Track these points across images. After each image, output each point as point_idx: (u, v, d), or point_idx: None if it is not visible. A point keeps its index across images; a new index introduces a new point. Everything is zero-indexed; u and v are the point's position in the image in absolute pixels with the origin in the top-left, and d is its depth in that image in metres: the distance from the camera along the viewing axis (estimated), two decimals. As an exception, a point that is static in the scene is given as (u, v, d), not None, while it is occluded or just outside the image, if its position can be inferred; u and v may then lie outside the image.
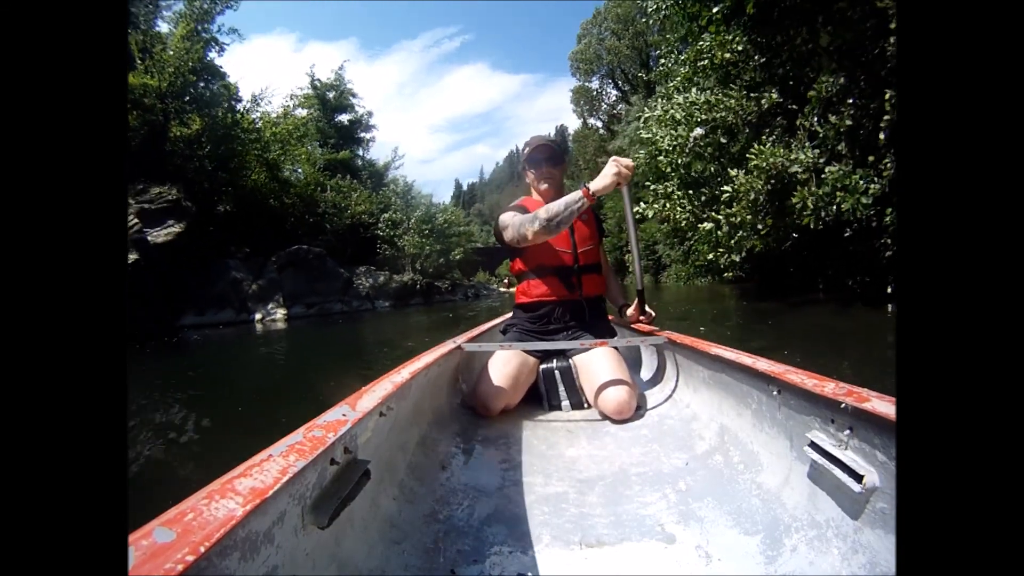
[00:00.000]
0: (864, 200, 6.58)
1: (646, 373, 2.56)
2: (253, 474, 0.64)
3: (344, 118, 30.26)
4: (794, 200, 7.15)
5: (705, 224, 8.44)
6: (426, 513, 1.20)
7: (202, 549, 0.47)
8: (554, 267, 2.31)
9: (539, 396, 2.18)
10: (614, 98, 44.35)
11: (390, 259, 22.50)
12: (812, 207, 6.94)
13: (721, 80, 9.24)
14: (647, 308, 2.39)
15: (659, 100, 10.73)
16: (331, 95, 29.15)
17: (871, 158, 6.75)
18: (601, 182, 2.03)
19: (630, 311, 2.41)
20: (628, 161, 2.02)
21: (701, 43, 9.22)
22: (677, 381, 2.11)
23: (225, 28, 17.79)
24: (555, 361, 2.19)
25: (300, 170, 21.98)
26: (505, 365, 2.08)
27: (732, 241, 8.14)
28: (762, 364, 1.33)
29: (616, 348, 2.18)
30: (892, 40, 6.35)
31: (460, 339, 2.22)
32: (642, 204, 9.98)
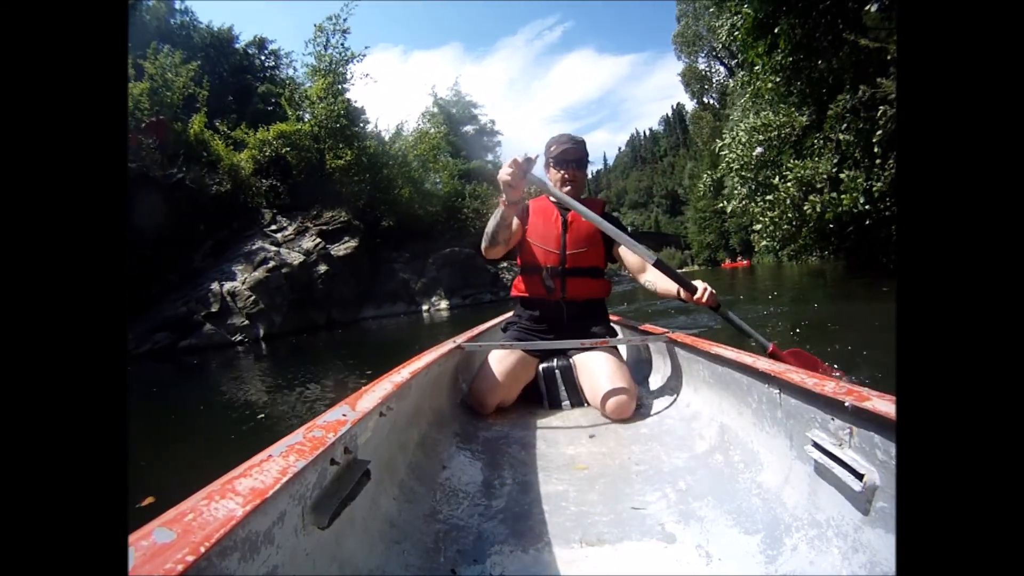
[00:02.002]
0: (861, 199, 8.56)
1: (647, 372, 2.55)
2: (253, 474, 0.64)
3: (469, 128, 32.55)
4: (805, 208, 9.43)
5: (755, 225, 10.90)
6: (426, 513, 1.21)
7: (202, 549, 0.48)
8: (539, 266, 2.29)
9: (539, 395, 2.19)
10: (724, 75, 43.64)
11: (527, 252, 24.32)
12: (819, 211, 9.21)
13: (772, 103, 11.51)
14: (694, 283, 1.97)
15: (730, 126, 13.36)
16: (454, 110, 31.34)
17: (878, 162, 8.70)
18: (504, 191, 2.01)
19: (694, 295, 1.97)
20: (504, 167, 1.95)
21: (756, 68, 11.41)
22: (678, 380, 2.11)
23: (359, 74, 20.10)
24: (555, 360, 2.20)
25: (440, 182, 23.68)
26: (501, 362, 2.10)
27: (776, 233, 10.49)
28: (762, 363, 1.33)
29: (616, 347, 2.19)
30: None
31: (460, 338, 2.22)
32: (726, 201, 12.86)
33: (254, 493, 0.60)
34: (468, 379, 2.31)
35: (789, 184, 10.04)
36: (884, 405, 0.85)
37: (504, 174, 1.95)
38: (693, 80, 45.14)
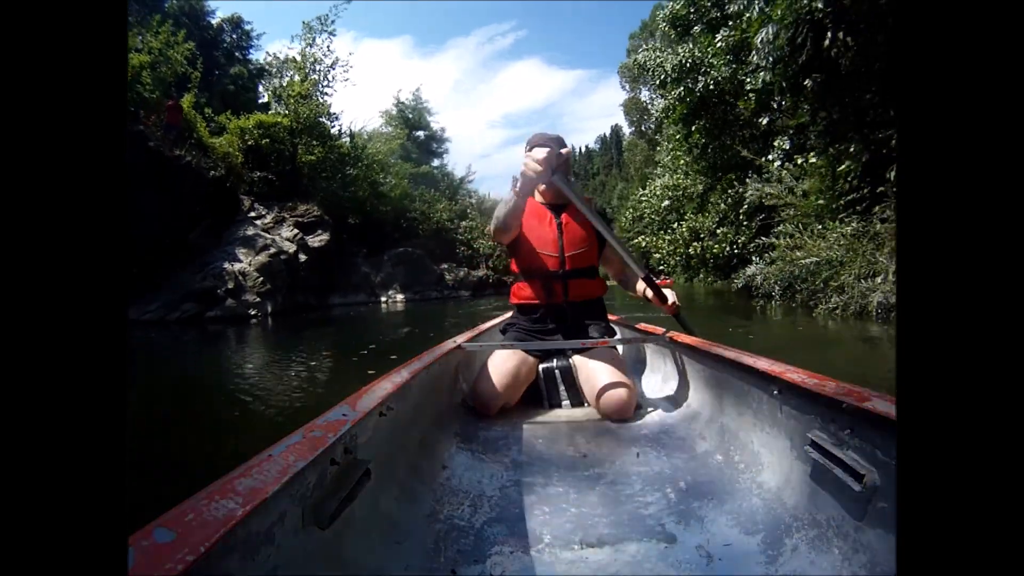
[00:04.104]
0: (727, 247, 13.82)
1: (647, 372, 2.55)
2: (253, 474, 0.64)
3: (421, 134, 33.72)
4: (690, 252, 14.93)
5: (655, 255, 15.30)
6: (426, 513, 1.20)
7: (202, 549, 0.48)
8: (540, 271, 2.27)
9: (539, 395, 2.18)
10: (662, 108, 46.80)
11: (467, 257, 25.19)
12: (699, 252, 14.70)
13: (685, 168, 16.90)
14: (665, 293, 2.24)
15: (651, 180, 21.00)
16: (410, 115, 32.72)
17: (744, 224, 13.26)
18: (521, 180, 2.02)
19: (663, 299, 2.25)
20: (537, 155, 1.92)
21: (675, 140, 15.69)
22: (678, 380, 2.10)
23: (339, 78, 20.66)
24: (555, 360, 2.18)
25: (392, 183, 24.12)
26: (504, 364, 2.08)
27: (672, 261, 15.74)
28: (763, 364, 1.32)
29: (616, 347, 2.19)
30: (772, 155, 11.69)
31: (460, 338, 2.21)
32: (640, 237, 18.20)
33: (254, 493, 0.60)
34: (468, 379, 2.29)
35: (684, 230, 14.41)
36: (884, 406, 0.85)
37: (531, 167, 1.93)
38: (633, 110, 47.62)
